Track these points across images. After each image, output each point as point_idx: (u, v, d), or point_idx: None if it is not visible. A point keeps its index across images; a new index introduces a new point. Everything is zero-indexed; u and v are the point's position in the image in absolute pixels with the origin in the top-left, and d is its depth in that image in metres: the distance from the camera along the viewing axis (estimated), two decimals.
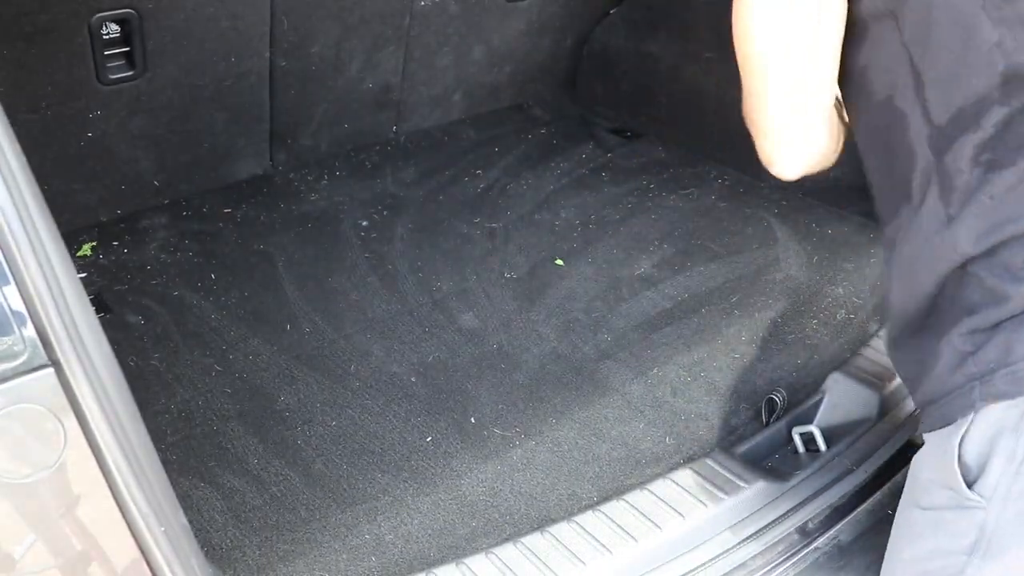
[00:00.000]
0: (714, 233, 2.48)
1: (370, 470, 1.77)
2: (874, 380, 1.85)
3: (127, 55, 2.25)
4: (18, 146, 0.95)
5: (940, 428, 1.13)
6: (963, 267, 1.09)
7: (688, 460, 1.75)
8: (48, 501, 1.01)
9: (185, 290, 2.27)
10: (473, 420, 1.89)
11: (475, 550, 1.57)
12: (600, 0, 3.06)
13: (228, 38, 2.36)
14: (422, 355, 2.08)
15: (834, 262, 2.32)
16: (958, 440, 1.10)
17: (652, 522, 1.58)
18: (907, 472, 1.27)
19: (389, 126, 2.94)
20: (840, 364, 1.93)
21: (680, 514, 1.59)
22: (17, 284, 0.94)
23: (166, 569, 1.10)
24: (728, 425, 1.87)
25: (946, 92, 1.08)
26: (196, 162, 2.59)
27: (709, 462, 1.69)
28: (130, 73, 2.27)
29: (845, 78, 1.22)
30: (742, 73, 1.21)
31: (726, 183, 2.70)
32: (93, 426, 1.00)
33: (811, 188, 2.53)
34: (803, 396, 1.88)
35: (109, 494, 1.04)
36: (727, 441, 1.81)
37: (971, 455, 1.10)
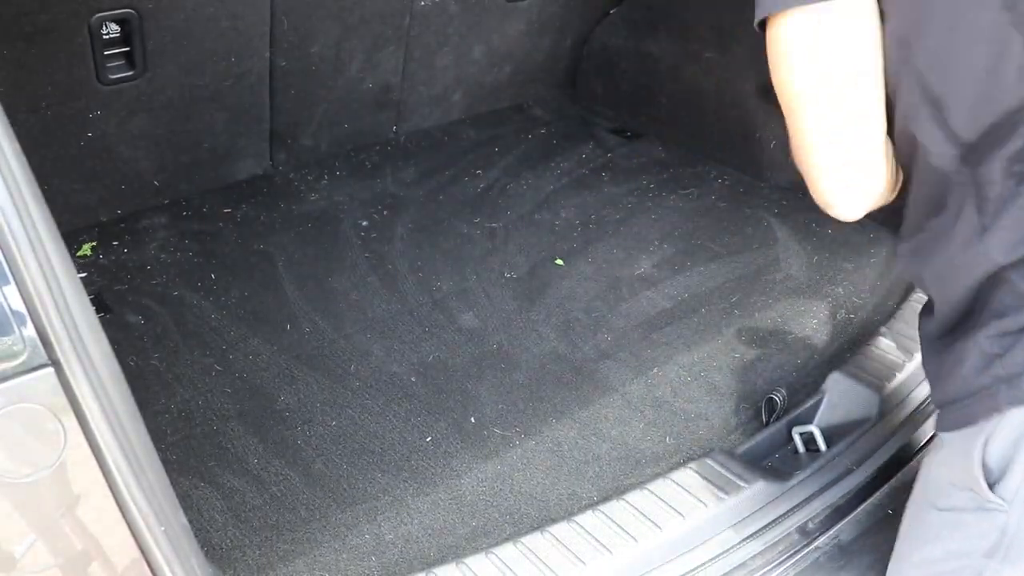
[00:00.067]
0: (714, 233, 2.48)
1: (370, 470, 1.77)
2: (874, 380, 1.85)
3: (127, 55, 2.25)
4: (18, 146, 0.95)
5: (960, 428, 1.13)
6: (995, 273, 1.09)
7: (688, 460, 1.75)
8: (48, 501, 1.01)
9: (185, 290, 2.27)
10: (473, 420, 1.89)
11: (475, 550, 1.57)
12: (600, 0, 3.06)
13: (228, 38, 2.36)
14: (422, 355, 2.08)
15: (834, 262, 2.31)
16: (981, 442, 1.10)
17: (652, 522, 1.58)
18: (907, 472, 1.27)
19: (389, 126, 2.94)
20: (840, 364, 1.92)
21: (680, 514, 1.59)
22: (17, 284, 0.94)
23: (166, 569, 1.10)
24: (728, 425, 1.87)
25: (974, 112, 1.07)
26: (196, 162, 2.59)
27: (709, 462, 1.69)
28: (130, 73, 2.27)
29: None
30: (788, 116, 1.16)
31: (726, 183, 2.70)
32: (93, 426, 1.00)
33: None
34: (803, 396, 1.88)
35: (109, 494, 1.04)
36: (727, 441, 1.81)
37: (994, 457, 1.10)
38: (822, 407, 1.83)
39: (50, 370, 0.96)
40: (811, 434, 1.77)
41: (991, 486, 1.10)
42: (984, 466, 1.10)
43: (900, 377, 1.87)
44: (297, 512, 1.67)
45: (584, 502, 1.68)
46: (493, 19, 2.85)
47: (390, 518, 1.66)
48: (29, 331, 0.95)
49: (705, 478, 1.65)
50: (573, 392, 1.96)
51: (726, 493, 1.62)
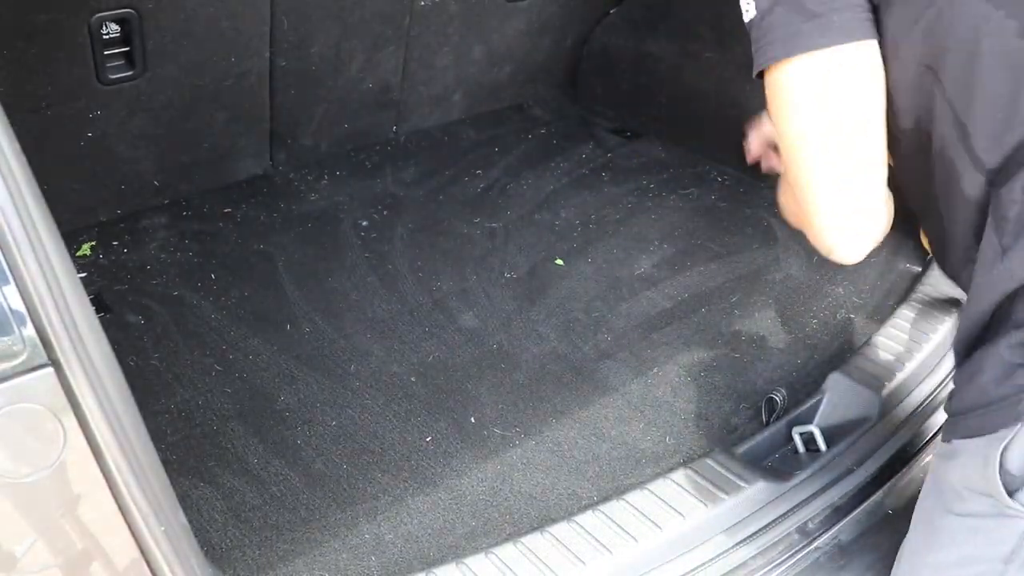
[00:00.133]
0: (714, 233, 2.48)
1: (370, 470, 1.77)
2: (874, 380, 1.85)
3: (127, 55, 2.25)
4: (18, 146, 0.95)
5: (977, 436, 1.13)
6: (1017, 288, 1.09)
7: (688, 460, 1.75)
8: (48, 501, 1.01)
9: (185, 290, 2.27)
10: (473, 420, 1.89)
11: (475, 550, 1.57)
12: (600, 0, 3.06)
13: (228, 38, 2.36)
14: (422, 355, 2.08)
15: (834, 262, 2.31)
16: (999, 449, 1.10)
17: (652, 522, 1.58)
18: (907, 472, 1.27)
19: (389, 126, 2.94)
20: (840, 364, 1.92)
21: (680, 514, 1.59)
22: (17, 284, 0.94)
23: (166, 568, 1.10)
24: (728, 425, 1.87)
25: (999, 137, 1.07)
26: (196, 162, 2.59)
27: (709, 462, 1.69)
28: (130, 73, 2.27)
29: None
30: (792, 165, 1.14)
31: (726, 183, 2.70)
32: (93, 426, 1.00)
33: None
34: (803, 396, 1.88)
35: (109, 494, 1.04)
36: (727, 441, 1.81)
37: (1015, 465, 1.10)
38: (822, 407, 1.83)
39: (50, 370, 0.96)
40: (811, 434, 1.77)
41: (1011, 493, 1.10)
42: (1004, 472, 1.10)
43: (900, 377, 1.87)
44: (297, 512, 1.67)
45: (584, 502, 1.68)
46: (493, 19, 2.85)
47: (390, 518, 1.66)
48: (29, 331, 0.95)
49: (705, 478, 1.65)
50: (573, 392, 1.96)
51: (726, 493, 1.62)
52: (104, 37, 2.19)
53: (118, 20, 2.18)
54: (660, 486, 1.65)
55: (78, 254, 2.36)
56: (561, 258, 2.41)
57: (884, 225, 1.19)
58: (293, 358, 2.06)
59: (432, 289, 2.30)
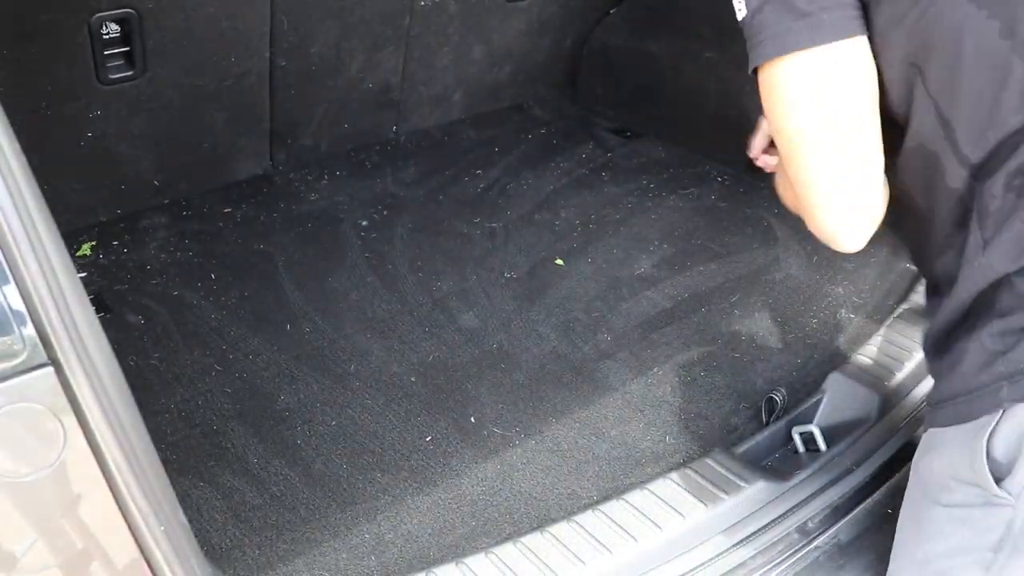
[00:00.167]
0: (714, 233, 2.48)
1: (370, 470, 1.77)
2: (874, 380, 1.85)
3: (127, 55, 2.25)
4: (18, 146, 0.95)
5: (957, 424, 1.14)
6: (998, 279, 1.10)
7: (688, 460, 1.75)
8: (48, 500, 1.01)
9: (185, 290, 2.27)
10: (473, 420, 1.89)
11: (475, 550, 1.57)
12: (600, 0, 3.06)
13: (228, 38, 2.36)
14: (422, 355, 2.08)
15: (834, 262, 2.31)
16: (985, 438, 1.11)
17: (652, 522, 1.58)
18: (906, 472, 1.27)
19: (389, 126, 2.94)
20: (840, 364, 1.93)
21: (680, 514, 1.59)
22: (17, 284, 0.94)
23: (166, 568, 1.10)
24: (728, 425, 1.87)
25: (981, 134, 1.08)
26: (196, 162, 2.59)
27: (709, 462, 1.69)
28: (130, 73, 2.27)
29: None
30: (788, 160, 1.15)
31: (726, 183, 2.71)
32: (93, 426, 1.00)
33: None
34: (803, 396, 1.88)
35: (109, 493, 1.04)
36: (727, 441, 1.81)
37: (999, 453, 1.10)
38: (822, 407, 1.83)
39: (50, 370, 0.96)
40: (811, 434, 1.77)
41: (997, 481, 1.11)
42: (990, 461, 1.11)
43: (900, 377, 1.87)
44: (297, 512, 1.67)
45: (584, 502, 1.68)
46: (493, 19, 2.85)
47: (390, 518, 1.66)
48: (29, 331, 0.95)
49: (705, 478, 1.65)
50: (573, 392, 1.96)
51: (726, 493, 1.62)
52: (104, 37, 2.19)
53: (118, 20, 2.18)
54: (660, 486, 1.65)
55: (78, 254, 2.36)
56: (561, 258, 2.41)
57: (880, 215, 1.19)
58: (293, 358, 2.06)
59: (432, 289, 2.30)
